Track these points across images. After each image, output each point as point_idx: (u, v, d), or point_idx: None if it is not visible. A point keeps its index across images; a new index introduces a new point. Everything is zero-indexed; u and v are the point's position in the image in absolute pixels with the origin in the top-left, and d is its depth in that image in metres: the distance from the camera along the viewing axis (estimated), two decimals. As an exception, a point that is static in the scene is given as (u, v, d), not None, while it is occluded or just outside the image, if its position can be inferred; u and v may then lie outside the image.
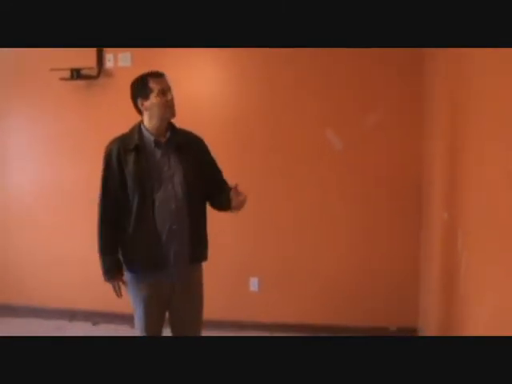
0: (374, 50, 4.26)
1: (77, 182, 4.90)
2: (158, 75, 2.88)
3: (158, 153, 2.90)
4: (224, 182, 3.11)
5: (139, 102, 2.88)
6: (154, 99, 2.85)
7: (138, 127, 2.92)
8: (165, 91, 2.86)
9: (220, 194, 3.03)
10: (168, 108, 2.88)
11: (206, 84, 4.67)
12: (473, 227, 2.56)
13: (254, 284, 4.71)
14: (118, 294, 3.00)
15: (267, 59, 4.52)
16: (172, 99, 2.89)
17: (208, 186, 3.04)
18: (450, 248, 3.03)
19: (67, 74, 4.78)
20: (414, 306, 4.41)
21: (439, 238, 3.50)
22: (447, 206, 3.25)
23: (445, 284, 3.25)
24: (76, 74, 4.76)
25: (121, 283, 2.99)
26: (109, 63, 4.78)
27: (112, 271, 2.95)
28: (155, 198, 2.84)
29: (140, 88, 2.88)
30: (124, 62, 4.73)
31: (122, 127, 2.99)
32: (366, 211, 4.48)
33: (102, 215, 2.92)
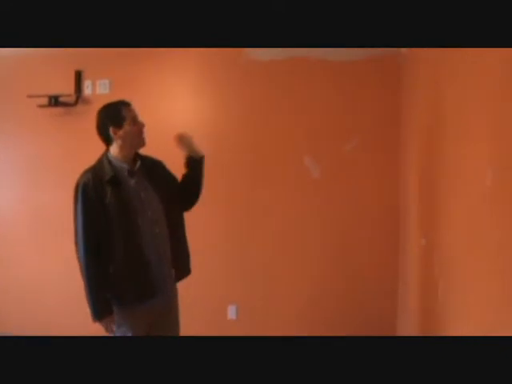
0: (351, 76, 4.33)
1: (53, 208, 4.85)
2: (128, 104, 2.90)
3: (132, 181, 2.89)
4: (183, 182, 3.15)
5: (111, 130, 2.86)
6: (127, 128, 2.84)
7: (107, 157, 2.90)
8: (136, 120, 2.88)
9: (186, 191, 3.11)
10: (139, 137, 2.90)
11: (183, 111, 4.69)
12: (449, 253, 2.58)
13: (232, 312, 4.68)
14: (112, 331, 2.85)
15: (244, 87, 4.56)
16: (143, 128, 2.91)
17: (179, 198, 3.09)
18: (427, 274, 3.04)
19: (45, 100, 4.77)
20: (393, 331, 4.41)
21: (417, 264, 3.51)
22: (424, 231, 3.27)
23: (422, 310, 3.26)
24: (54, 101, 4.75)
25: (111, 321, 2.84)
26: (87, 90, 4.79)
27: (105, 310, 2.80)
28: (138, 226, 2.83)
29: (112, 116, 2.86)
30: (102, 89, 4.74)
31: (100, 155, 2.98)
32: (344, 237, 4.50)
33: (87, 251, 2.77)
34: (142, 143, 2.93)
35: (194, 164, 3.08)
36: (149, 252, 2.84)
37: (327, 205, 4.51)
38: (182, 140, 3.05)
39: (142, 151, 3.00)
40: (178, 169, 3.10)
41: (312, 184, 4.52)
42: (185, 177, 3.11)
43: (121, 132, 2.85)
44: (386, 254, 4.42)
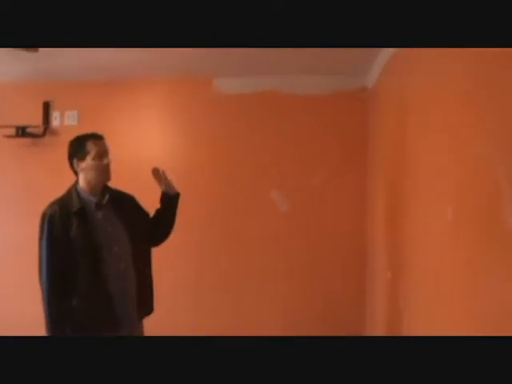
0: (319, 110, 4.42)
1: (19, 240, 4.78)
2: (96, 137, 2.87)
3: (100, 214, 2.87)
4: (155, 217, 3.12)
5: (75, 162, 2.86)
6: (89, 161, 2.83)
7: (75, 190, 2.88)
8: (101, 155, 2.84)
9: (157, 227, 3.08)
10: (103, 172, 2.86)
11: (153, 142, 4.70)
12: (414, 286, 2.62)
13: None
14: None
15: (213, 119, 4.61)
16: (108, 164, 2.86)
17: (149, 234, 3.07)
18: (393, 306, 3.07)
19: (12, 131, 4.73)
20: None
21: (383, 297, 3.54)
22: (391, 264, 3.31)
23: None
24: (21, 132, 4.72)
25: None
26: (55, 121, 4.77)
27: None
28: (103, 261, 2.80)
29: (77, 148, 2.86)
30: (71, 120, 4.73)
31: (67, 187, 2.95)
32: (312, 268, 4.52)
33: (49, 284, 2.73)
34: (105, 178, 2.89)
35: (168, 200, 3.07)
36: (112, 287, 2.80)
37: (295, 237, 4.53)
38: (157, 175, 3.05)
39: (112, 184, 2.99)
40: (148, 202, 3.08)
41: (280, 217, 4.54)
42: (157, 212, 3.10)
43: (83, 165, 2.84)
44: (353, 287, 4.45)
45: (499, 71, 1.71)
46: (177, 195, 3.10)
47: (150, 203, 3.08)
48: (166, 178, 3.06)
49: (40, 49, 3.43)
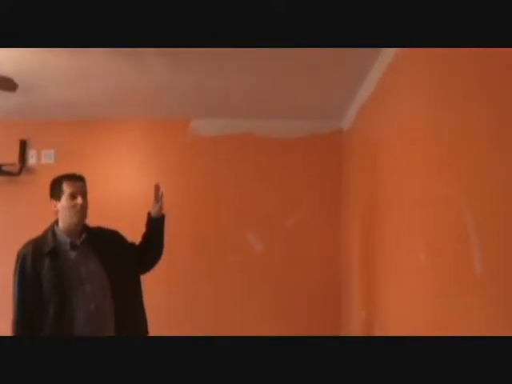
0: (295, 152, 4.49)
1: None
2: (73, 178, 2.88)
3: (74, 254, 2.86)
4: (141, 243, 3.10)
5: (52, 202, 2.87)
6: (64, 202, 2.83)
7: (52, 229, 2.88)
8: (75, 195, 2.84)
9: (145, 251, 3.08)
10: (76, 213, 2.85)
11: (127, 182, 4.70)
12: (388, 325, 2.64)
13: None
14: None
15: (190, 160, 4.64)
16: (82, 204, 2.84)
17: (139, 261, 3.06)
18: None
19: (-13, 169, 4.70)
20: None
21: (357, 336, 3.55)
22: (365, 304, 3.33)
23: None
24: (-4, 170, 4.69)
25: None
26: (32, 160, 4.76)
27: None
28: (72, 301, 2.77)
29: (54, 189, 2.87)
30: (48, 159, 4.72)
31: (43, 227, 2.94)
32: (287, 309, 4.50)
33: (18, 325, 2.73)
34: (80, 218, 2.88)
35: (154, 222, 3.08)
36: (79, 328, 2.77)
37: (270, 278, 4.53)
38: (157, 191, 3.05)
39: (92, 222, 2.98)
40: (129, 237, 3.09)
41: (255, 257, 4.55)
42: (144, 237, 3.10)
43: (59, 205, 2.85)
44: (328, 326, 4.44)
45: (466, 115, 1.78)
46: (162, 217, 3.11)
47: (130, 238, 3.09)
48: (161, 199, 3.07)
49: (18, 86, 3.46)
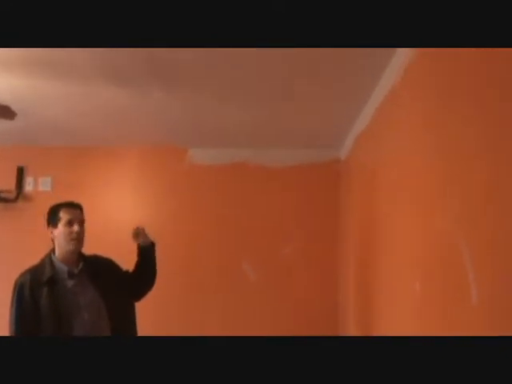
0: (290, 181, 4.49)
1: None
2: (71, 206, 2.89)
3: (71, 283, 2.85)
4: (134, 271, 3.10)
5: (49, 229, 2.88)
6: (60, 229, 2.84)
7: (49, 258, 2.87)
8: (72, 222, 2.84)
9: (138, 279, 3.08)
10: (72, 240, 2.85)
11: (123, 210, 4.69)
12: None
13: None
14: None
15: (186, 189, 4.65)
16: (79, 231, 2.85)
17: (132, 289, 3.06)
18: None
19: (-17, 195, 4.70)
20: None
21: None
22: (361, 333, 3.31)
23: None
24: (-7, 196, 4.68)
25: None
26: (28, 187, 4.75)
27: None
28: (70, 330, 2.76)
29: (51, 216, 2.88)
30: (44, 186, 4.72)
31: (39, 254, 2.93)
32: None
33: None
34: (77, 246, 2.88)
35: (144, 251, 3.08)
36: None
37: (266, 306, 4.50)
38: (137, 234, 3.05)
39: (89, 250, 2.97)
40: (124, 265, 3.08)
41: (250, 286, 4.53)
42: (136, 265, 3.10)
43: (55, 232, 2.86)
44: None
45: (461, 147, 1.79)
46: (152, 245, 3.11)
47: (126, 265, 3.08)
48: (142, 233, 3.07)
49: (16, 115, 3.47)
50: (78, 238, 2.87)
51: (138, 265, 3.10)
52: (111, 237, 4.14)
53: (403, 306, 2.36)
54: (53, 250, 2.90)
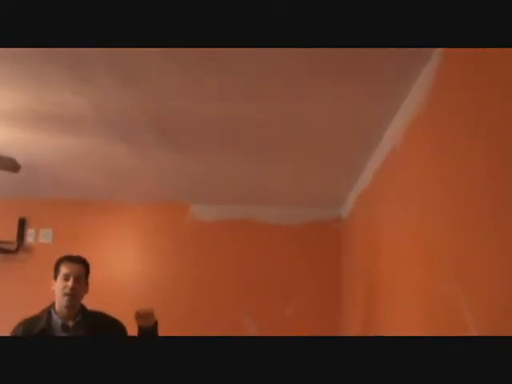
0: (292, 239, 4.49)
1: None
2: (71, 260, 2.86)
3: (64, 336, 2.81)
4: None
5: (52, 282, 2.86)
6: (58, 282, 2.82)
7: (48, 310, 2.84)
8: (68, 277, 2.82)
9: None
10: (66, 295, 2.79)
11: (124, 264, 4.67)
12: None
13: None
14: None
15: (188, 245, 4.64)
16: (72, 287, 2.79)
17: None
18: None
19: (-16, 246, 4.69)
20: None
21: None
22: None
23: None
24: (-6, 247, 4.67)
25: None
26: (29, 238, 4.75)
27: None
28: None
29: (55, 268, 2.87)
30: (45, 238, 4.71)
31: (38, 305, 2.90)
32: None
33: None
34: (69, 302, 2.78)
35: (144, 334, 2.88)
36: None
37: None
38: (139, 317, 2.92)
39: (90, 305, 2.92)
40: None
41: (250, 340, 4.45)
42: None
43: (54, 286, 2.84)
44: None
45: (463, 208, 1.79)
46: (155, 324, 2.93)
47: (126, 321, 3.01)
48: (144, 316, 2.89)
49: (20, 167, 3.49)
50: (72, 294, 2.81)
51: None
52: (112, 290, 4.12)
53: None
54: (54, 302, 2.88)
